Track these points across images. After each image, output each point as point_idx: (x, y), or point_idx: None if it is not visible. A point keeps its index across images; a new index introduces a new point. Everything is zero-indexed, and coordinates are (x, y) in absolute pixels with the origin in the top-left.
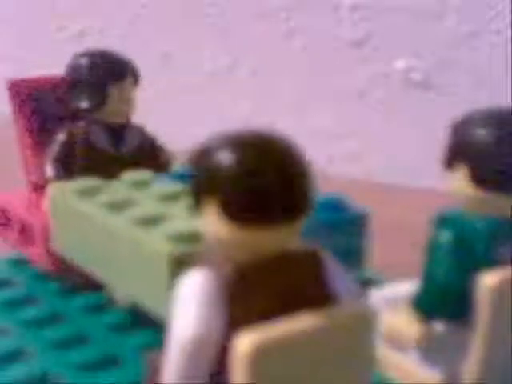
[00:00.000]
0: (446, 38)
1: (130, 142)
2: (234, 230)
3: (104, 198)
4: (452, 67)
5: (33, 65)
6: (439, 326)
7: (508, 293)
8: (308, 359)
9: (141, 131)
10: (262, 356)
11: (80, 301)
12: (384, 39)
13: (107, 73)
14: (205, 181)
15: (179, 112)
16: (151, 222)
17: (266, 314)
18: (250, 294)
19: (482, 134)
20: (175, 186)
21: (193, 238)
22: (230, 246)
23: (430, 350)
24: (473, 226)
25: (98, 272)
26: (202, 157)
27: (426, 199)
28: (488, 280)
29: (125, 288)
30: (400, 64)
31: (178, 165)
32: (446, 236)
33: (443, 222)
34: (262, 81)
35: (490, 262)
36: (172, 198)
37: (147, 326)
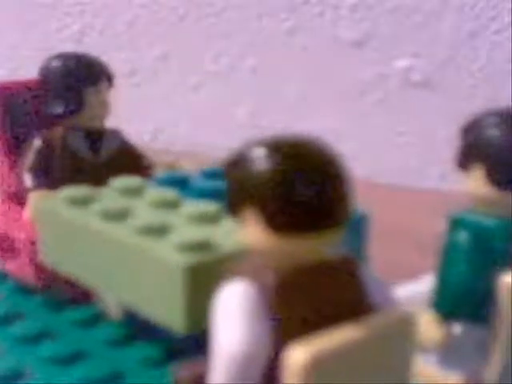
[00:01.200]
0: (446, 38)
1: (109, 147)
2: (276, 239)
3: (99, 206)
4: (452, 67)
5: (33, 65)
6: (459, 327)
7: None
8: (355, 369)
9: (118, 135)
10: (316, 367)
11: (71, 315)
12: (384, 39)
13: (83, 76)
14: (244, 191)
15: (179, 112)
16: (157, 230)
17: (309, 322)
18: (293, 303)
19: (498, 133)
20: (170, 193)
21: (204, 246)
22: (271, 255)
23: (449, 352)
24: (490, 225)
25: (98, 284)
26: (240, 166)
27: (426, 199)
28: (508, 279)
29: (130, 300)
30: (400, 64)
31: (161, 170)
32: (462, 236)
33: (459, 223)
34: (262, 81)
35: (508, 262)
36: (171, 205)
37: (145, 339)
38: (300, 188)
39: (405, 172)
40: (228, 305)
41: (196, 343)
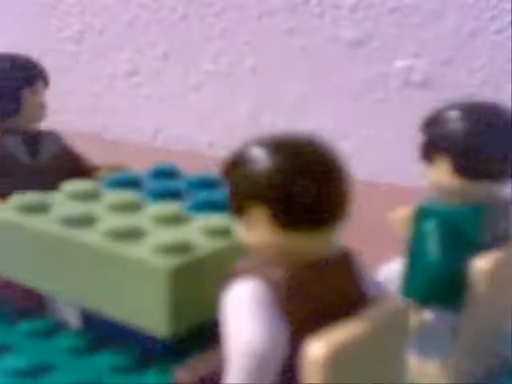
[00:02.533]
0: (446, 37)
1: (48, 150)
2: (283, 236)
3: (57, 212)
4: (452, 67)
5: None
6: (432, 314)
7: (498, 276)
8: (363, 359)
9: (57, 138)
10: (334, 361)
11: (28, 326)
12: (384, 39)
13: (20, 77)
14: (251, 190)
15: (179, 112)
16: (128, 234)
17: (316, 316)
18: (302, 298)
19: (461, 126)
20: (129, 195)
21: (183, 248)
22: (277, 252)
23: (424, 338)
24: (458, 213)
25: (61, 292)
26: (244, 166)
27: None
28: (480, 264)
29: (104, 307)
30: (400, 64)
31: (105, 172)
32: (430, 225)
33: (426, 212)
34: (262, 81)
35: (477, 248)
36: (133, 207)
37: (108, 347)
38: (306, 185)
39: (405, 172)
40: (239, 303)
41: (166, 348)
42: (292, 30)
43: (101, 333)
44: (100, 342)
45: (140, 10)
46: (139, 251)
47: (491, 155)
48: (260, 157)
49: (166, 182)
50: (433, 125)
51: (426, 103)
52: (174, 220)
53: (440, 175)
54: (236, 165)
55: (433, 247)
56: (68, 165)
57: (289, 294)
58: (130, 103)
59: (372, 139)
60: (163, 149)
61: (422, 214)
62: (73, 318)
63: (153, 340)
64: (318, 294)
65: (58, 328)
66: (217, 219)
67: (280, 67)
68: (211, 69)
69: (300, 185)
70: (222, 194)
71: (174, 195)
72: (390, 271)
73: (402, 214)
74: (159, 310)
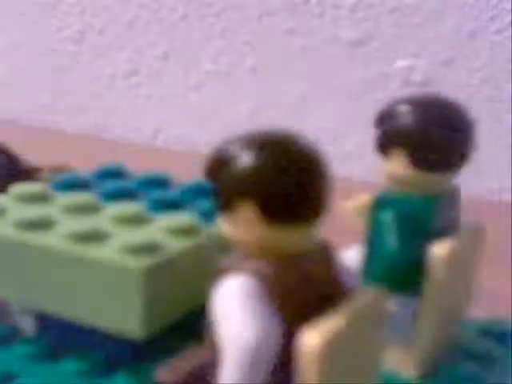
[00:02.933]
0: (446, 37)
1: None
2: (271, 230)
3: (11, 216)
4: (452, 67)
5: (33, 65)
6: (394, 301)
7: (454, 261)
8: (350, 348)
9: None
10: (328, 349)
11: None
12: (384, 39)
13: None
14: (237, 187)
15: (179, 112)
16: (91, 236)
17: (303, 307)
18: (290, 289)
19: (414, 119)
20: (83, 197)
21: (151, 248)
22: (264, 246)
23: (387, 325)
24: (413, 203)
25: (19, 297)
26: (229, 163)
27: None
28: (438, 250)
29: (69, 310)
30: (400, 64)
31: (48, 173)
32: (387, 215)
33: (383, 202)
34: (262, 81)
35: (431, 235)
36: (90, 209)
37: (69, 352)
38: (292, 181)
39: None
40: (230, 299)
41: (132, 350)
42: (292, 30)
43: (58, 339)
44: (59, 348)
45: (140, 9)
46: (106, 252)
47: (443, 147)
48: (246, 154)
49: (116, 183)
50: (386, 120)
51: None
52: (135, 220)
53: (396, 167)
54: (221, 163)
55: (391, 236)
56: (6, 166)
57: (278, 287)
58: (130, 103)
59: (372, 139)
60: (163, 149)
61: (379, 204)
62: (28, 325)
63: (116, 342)
64: (303, 287)
65: (13, 335)
66: (179, 218)
67: (280, 67)
68: (211, 69)
69: (287, 181)
70: (174, 192)
71: (126, 195)
72: (346, 259)
73: (355, 204)
74: (131, 311)
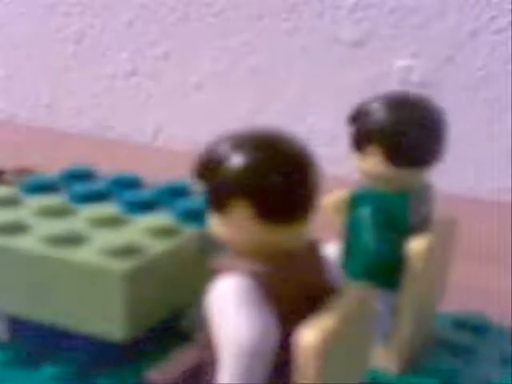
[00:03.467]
0: (446, 37)
1: None
2: (265, 229)
3: None
4: (452, 67)
5: (33, 65)
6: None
7: (430, 255)
8: (344, 346)
9: None
10: (326, 346)
11: None
12: (384, 39)
13: None
14: (231, 185)
15: (179, 112)
16: (70, 239)
17: (297, 305)
18: (283, 289)
19: (389, 117)
20: (55, 199)
21: (132, 250)
22: (258, 245)
23: None
24: (390, 199)
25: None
26: (220, 162)
27: None
28: (416, 245)
29: (48, 314)
30: (400, 64)
31: (11, 175)
32: (365, 211)
33: (360, 199)
34: (262, 81)
35: (407, 231)
36: (63, 212)
37: (45, 357)
38: (287, 180)
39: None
40: (226, 299)
41: (112, 353)
42: (292, 30)
43: (33, 343)
44: (35, 353)
45: (140, 10)
46: (86, 255)
47: (418, 144)
48: (238, 154)
49: (86, 184)
50: (361, 117)
51: None
52: (112, 222)
53: (371, 164)
54: (213, 163)
55: (368, 232)
56: None
57: (272, 286)
58: (130, 103)
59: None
60: (163, 149)
61: (356, 201)
62: (1, 331)
63: (96, 346)
64: (296, 285)
65: None
66: (157, 220)
67: (280, 67)
68: (211, 69)
69: (280, 180)
70: (148, 193)
71: (98, 197)
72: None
73: (333, 200)
74: (113, 313)
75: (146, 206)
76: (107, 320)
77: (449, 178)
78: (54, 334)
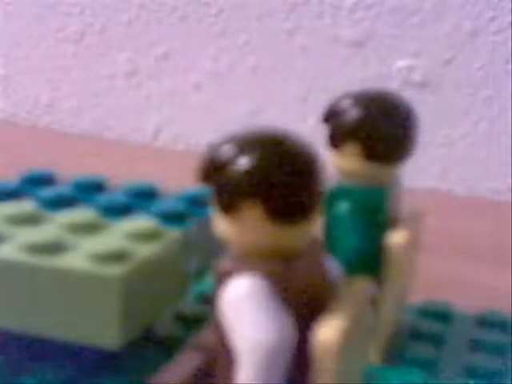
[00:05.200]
0: (446, 38)
1: None
2: (275, 229)
3: None
4: (452, 67)
5: (33, 65)
6: None
7: (408, 249)
8: (355, 341)
9: None
10: (343, 343)
11: None
12: (384, 39)
13: None
14: (241, 186)
15: (179, 112)
16: (52, 247)
17: (306, 304)
18: (295, 288)
19: (364, 113)
20: (23, 206)
21: (121, 255)
22: (268, 245)
23: None
24: (367, 195)
25: None
26: (227, 164)
27: (426, 199)
28: (396, 239)
29: (37, 326)
30: (400, 64)
31: None
32: (342, 207)
33: (337, 195)
34: (262, 81)
35: (384, 226)
36: (36, 219)
37: (28, 370)
38: (296, 179)
39: (404, 172)
40: (241, 301)
41: (101, 361)
42: (292, 30)
43: (16, 355)
44: (18, 365)
45: (140, 9)
46: (76, 262)
47: (393, 139)
48: (246, 155)
49: (51, 189)
50: (335, 115)
51: (426, 103)
52: (92, 227)
53: (348, 161)
54: (220, 165)
55: (347, 228)
56: None
57: (284, 285)
58: (130, 103)
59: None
60: (163, 149)
61: (334, 197)
62: None
63: (82, 355)
64: (305, 283)
65: None
66: (139, 223)
67: (280, 67)
68: (211, 69)
69: (290, 179)
70: (121, 196)
71: (68, 202)
72: None
73: None
74: (108, 320)
75: (121, 210)
76: (101, 327)
77: (449, 177)
78: (36, 344)
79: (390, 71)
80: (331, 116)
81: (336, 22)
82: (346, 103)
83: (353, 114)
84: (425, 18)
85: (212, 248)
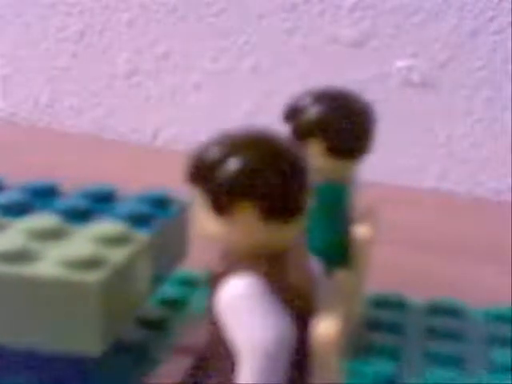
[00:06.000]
0: (446, 37)
1: None
2: (269, 227)
3: None
4: (452, 67)
5: (33, 65)
6: None
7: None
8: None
9: None
10: (339, 337)
11: None
12: (384, 39)
13: None
14: (235, 187)
15: (179, 112)
16: (19, 255)
17: (297, 300)
18: (288, 285)
19: (327, 111)
20: None
21: (95, 261)
22: (260, 245)
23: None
24: (332, 191)
25: None
26: (218, 164)
27: (426, 199)
28: (362, 233)
29: (13, 337)
30: (400, 64)
31: None
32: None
33: None
34: (262, 81)
35: (348, 221)
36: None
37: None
38: (288, 178)
39: (404, 172)
40: (239, 301)
41: (79, 371)
42: (292, 29)
43: None
44: None
45: (140, 9)
46: (48, 270)
47: (355, 135)
48: (237, 155)
49: (3, 195)
50: (297, 114)
51: (426, 103)
52: (56, 233)
53: (312, 158)
54: (210, 166)
55: (313, 224)
56: None
57: (279, 284)
58: (130, 103)
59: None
60: (163, 149)
61: None
62: None
63: (55, 366)
64: (296, 280)
65: None
66: (105, 227)
67: (280, 67)
68: (211, 69)
69: (282, 179)
70: (78, 201)
71: (23, 208)
72: None
73: None
74: (87, 327)
75: (82, 214)
76: (81, 334)
77: (449, 177)
78: (5, 355)
79: (390, 71)
80: (292, 114)
81: (336, 21)
82: (306, 101)
83: (314, 111)
84: (425, 18)
85: (173, 250)
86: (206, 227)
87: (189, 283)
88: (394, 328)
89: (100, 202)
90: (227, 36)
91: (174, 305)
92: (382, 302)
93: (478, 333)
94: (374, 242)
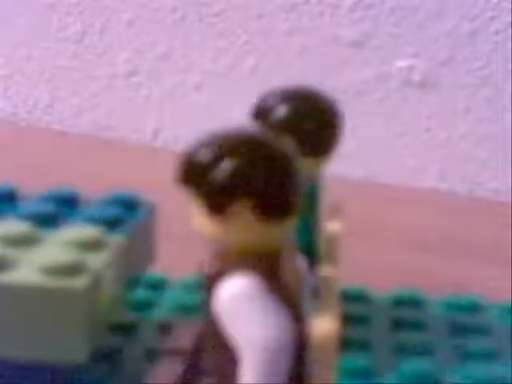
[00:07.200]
0: (446, 38)
1: None
2: (265, 226)
3: None
4: (452, 67)
5: (33, 65)
6: None
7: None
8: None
9: None
10: (336, 334)
11: None
12: (384, 39)
13: None
14: (231, 187)
15: (179, 112)
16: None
17: (291, 299)
18: (283, 284)
19: (296, 109)
20: None
21: (75, 268)
22: (256, 243)
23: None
24: (308, 188)
25: None
26: (211, 164)
27: (426, 199)
28: (333, 229)
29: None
30: (400, 64)
31: None
32: None
33: None
34: (262, 81)
35: (319, 217)
36: None
37: None
38: (283, 177)
39: (404, 172)
40: (239, 300)
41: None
42: (292, 30)
43: None
44: None
45: (140, 9)
46: (28, 277)
47: (325, 133)
48: (231, 154)
49: None
50: (265, 113)
51: (426, 103)
52: (27, 239)
53: None
54: (203, 166)
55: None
56: None
57: (276, 282)
58: (130, 103)
59: (371, 139)
60: (163, 149)
61: None
62: None
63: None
64: (289, 278)
65: None
66: (79, 232)
67: (280, 67)
68: (211, 69)
69: (277, 177)
70: (40, 205)
71: None
72: None
73: None
74: (73, 334)
75: (49, 219)
76: (66, 341)
77: (448, 177)
78: None
79: (390, 71)
80: (260, 114)
81: (336, 21)
82: (273, 101)
83: (281, 110)
84: (425, 18)
85: (143, 253)
86: (201, 228)
87: (157, 286)
88: (361, 321)
89: (65, 205)
90: (227, 36)
91: (144, 308)
92: (346, 296)
93: (439, 322)
94: (342, 238)
